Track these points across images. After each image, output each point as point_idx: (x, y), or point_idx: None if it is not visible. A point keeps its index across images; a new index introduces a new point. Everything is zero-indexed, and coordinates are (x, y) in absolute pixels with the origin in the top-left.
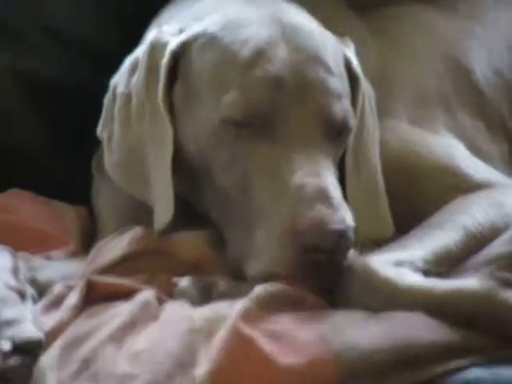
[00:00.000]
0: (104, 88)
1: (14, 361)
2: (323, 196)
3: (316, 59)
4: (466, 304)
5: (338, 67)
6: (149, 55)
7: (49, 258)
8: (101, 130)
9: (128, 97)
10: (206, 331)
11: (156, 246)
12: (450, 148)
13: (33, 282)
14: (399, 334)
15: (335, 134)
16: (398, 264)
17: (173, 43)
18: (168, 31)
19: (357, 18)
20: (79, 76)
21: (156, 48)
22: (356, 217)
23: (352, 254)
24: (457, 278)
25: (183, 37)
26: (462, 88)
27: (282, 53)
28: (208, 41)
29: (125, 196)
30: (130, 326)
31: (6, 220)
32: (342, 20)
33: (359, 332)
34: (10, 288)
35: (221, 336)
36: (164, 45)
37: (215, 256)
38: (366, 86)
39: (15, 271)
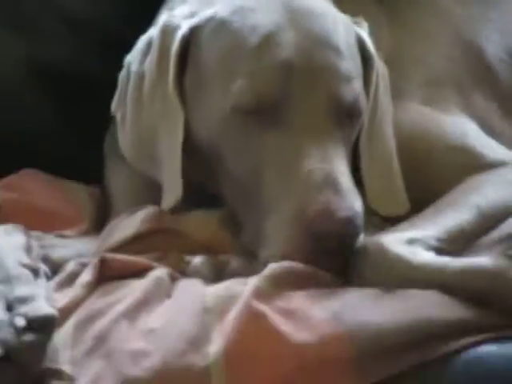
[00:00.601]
0: (117, 73)
1: (27, 337)
2: (332, 183)
3: (325, 43)
4: (479, 282)
5: (350, 48)
6: (160, 38)
7: (62, 236)
8: (115, 108)
9: (141, 77)
10: (219, 309)
11: (169, 224)
12: (462, 127)
13: (46, 260)
14: (413, 312)
15: (345, 117)
16: (411, 242)
17: (183, 27)
18: (179, 14)
19: (371, 1)
20: (92, 62)
21: (167, 31)
22: (371, 195)
23: (362, 237)
24: (470, 256)
25: (194, 21)
26: (476, 70)
27: (290, 38)
28: (217, 26)
29: (137, 175)
30: (144, 304)
31: (19, 199)
32: (356, 3)
33: (372, 310)
34: (24, 265)
35: (234, 313)
36: (175, 28)
37: (227, 235)
38: (379, 66)
39: (28, 249)
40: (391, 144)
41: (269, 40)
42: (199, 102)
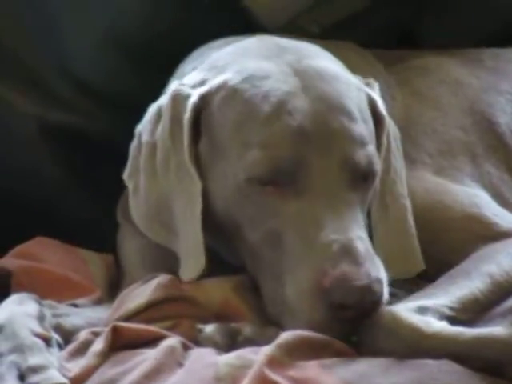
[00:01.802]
0: (127, 137)
1: None
2: (348, 252)
3: (338, 107)
4: (493, 351)
5: (362, 112)
6: (171, 107)
7: (74, 305)
8: (127, 179)
9: (153, 146)
10: (232, 378)
11: (181, 292)
12: (475, 197)
13: (58, 329)
14: (425, 382)
15: (361, 180)
16: (424, 311)
17: (194, 96)
18: (189, 82)
19: (384, 70)
20: (104, 126)
21: (178, 100)
22: (384, 256)
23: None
24: (483, 325)
25: (204, 89)
26: (488, 140)
27: (302, 104)
28: (229, 94)
29: (150, 243)
30: (156, 373)
31: (32, 267)
32: (369, 71)
33: (384, 379)
34: (36, 335)
35: (246, 382)
36: (186, 97)
37: (240, 303)
38: (390, 126)
39: (41, 318)
40: (405, 203)
41: (281, 108)
42: (214, 170)
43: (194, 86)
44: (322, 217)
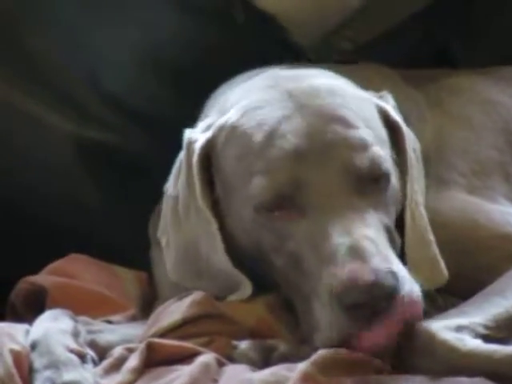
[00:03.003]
0: (162, 156)
1: None
2: (354, 252)
3: (333, 118)
4: None
5: (366, 120)
6: (186, 156)
7: (109, 321)
8: (160, 235)
9: (176, 198)
10: None
11: (215, 310)
12: (509, 216)
13: (93, 345)
14: None
15: (369, 182)
16: (459, 330)
17: (200, 140)
18: (199, 129)
19: (412, 91)
20: (139, 145)
21: (190, 148)
22: (413, 264)
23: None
24: None
25: (209, 133)
26: None
27: (296, 125)
28: (229, 132)
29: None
30: None
31: (67, 284)
32: (397, 93)
33: None
34: (71, 351)
35: None
36: (195, 143)
37: (274, 321)
38: (409, 135)
39: (75, 334)
40: (424, 213)
41: (273, 133)
42: (230, 207)
43: (202, 132)
44: (329, 230)
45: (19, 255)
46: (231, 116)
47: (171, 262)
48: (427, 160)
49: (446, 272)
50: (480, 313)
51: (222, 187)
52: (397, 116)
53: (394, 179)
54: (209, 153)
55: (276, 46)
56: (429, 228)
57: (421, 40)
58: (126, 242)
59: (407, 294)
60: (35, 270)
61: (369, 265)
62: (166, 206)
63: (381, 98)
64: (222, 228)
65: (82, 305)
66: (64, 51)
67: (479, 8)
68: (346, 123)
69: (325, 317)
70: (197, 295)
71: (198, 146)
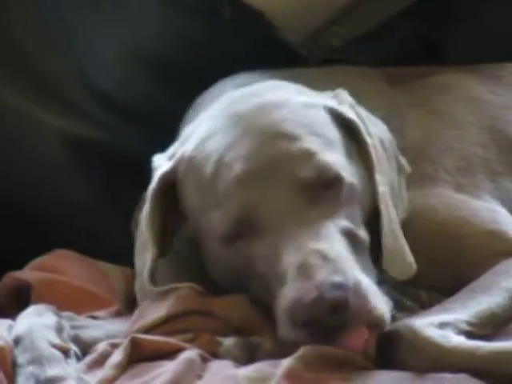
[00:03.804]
0: (152, 153)
1: None
2: (301, 270)
3: (274, 134)
4: (510, 365)
5: (311, 128)
6: (152, 182)
7: (93, 317)
8: (136, 260)
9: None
10: None
11: (200, 306)
12: (495, 213)
13: (76, 341)
14: None
15: (320, 190)
16: (443, 326)
17: (161, 170)
18: (164, 156)
19: (394, 92)
20: (129, 141)
21: (154, 175)
22: (386, 256)
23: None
24: (501, 340)
25: (171, 163)
26: (507, 157)
27: (240, 151)
28: (187, 164)
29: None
30: None
31: (51, 280)
32: (376, 95)
33: None
34: (54, 346)
35: None
36: (157, 171)
37: (259, 318)
38: (379, 130)
39: (59, 330)
40: (391, 204)
41: (219, 165)
42: (199, 235)
43: (168, 159)
44: (281, 249)
45: (4, 249)
46: (188, 146)
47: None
48: (412, 158)
49: (414, 264)
50: (464, 309)
51: (191, 218)
52: (350, 113)
53: (353, 178)
54: (172, 182)
55: (264, 43)
56: (397, 219)
57: (409, 36)
58: (113, 238)
59: (361, 301)
60: (20, 265)
61: (313, 281)
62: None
63: (335, 97)
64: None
65: (66, 300)
66: (54, 49)
67: (465, 4)
68: (287, 137)
69: (288, 336)
70: (181, 291)
71: (158, 174)
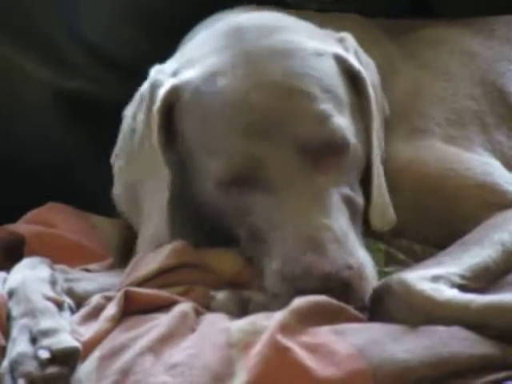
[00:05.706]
0: None
1: (51, 370)
2: (313, 243)
3: (290, 90)
4: (503, 318)
5: (324, 84)
6: (149, 95)
7: (87, 270)
8: (114, 159)
9: (133, 131)
10: (244, 344)
11: (194, 259)
12: (487, 166)
13: (70, 294)
14: (437, 348)
15: (329, 156)
16: (435, 279)
17: (165, 87)
18: (166, 70)
19: (388, 42)
20: (117, 93)
21: (154, 88)
22: (372, 208)
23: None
24: (494, 293)
25: (175, 82)
26: (499, 110)
27: (251, 100)
28: (193, 94)
29: None
30: (168, 338)
31: (45, 233)
32: (370, 45)
33: (397, 345)
34: (48, 299)
35: (258, 348)
36: (160, 86)
37: (252, 271)
38: (367, 74)
39: (53, 282)
40: (379, 159)
41: (230, 109)
42: (190, 167)
43: (168, 76)
44: (288, 209)
45: None
46: (195, 76)
47: (119, 189)
48: (403, 111)
49: (394, 215)
50: (457, 263)
51: (185, 147)
52: (357, 64)
53: (357, 142)
54: (173, 102)
55: None
56: (382, 172)
57: None
58: (102, 188)
59: (363, 284)
60: (14, 219)
61: (326, 257)
62: (123, 133)
63: (341, 41)
64: (183, 185)
65: (59, 253)
66: (43, 2)
67: None
68: (304, 95)
69: (275, 291)
70: (175, 244)
71: (161, 93)
